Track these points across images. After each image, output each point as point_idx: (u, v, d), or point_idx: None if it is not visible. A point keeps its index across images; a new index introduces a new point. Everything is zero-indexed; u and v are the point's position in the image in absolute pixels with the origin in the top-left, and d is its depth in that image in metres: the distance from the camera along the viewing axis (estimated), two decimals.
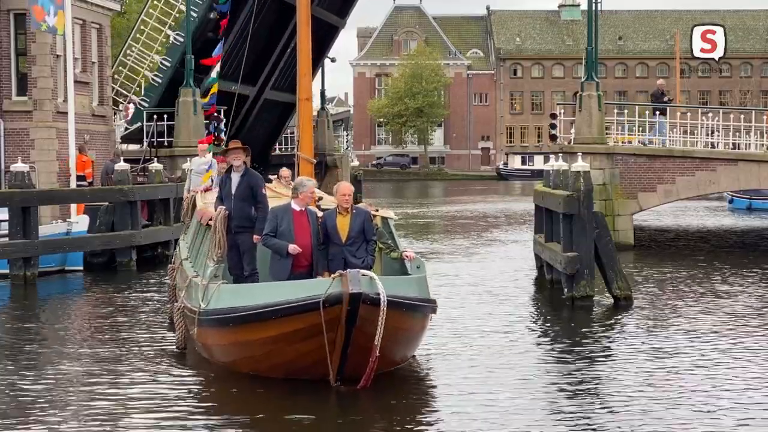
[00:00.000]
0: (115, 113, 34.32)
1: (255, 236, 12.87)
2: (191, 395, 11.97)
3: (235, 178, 13.26)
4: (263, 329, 11.42)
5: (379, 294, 10.91)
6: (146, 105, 34.62)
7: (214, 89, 22.99)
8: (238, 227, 13.10)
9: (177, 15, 35.21)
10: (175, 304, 14.36)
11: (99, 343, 15.09)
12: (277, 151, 49.19)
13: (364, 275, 11.04)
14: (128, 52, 35.64)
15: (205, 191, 17.90)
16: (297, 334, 11.21)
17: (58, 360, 13.84)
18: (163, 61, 35.07)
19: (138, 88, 35.41)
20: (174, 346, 14.17)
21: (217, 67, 23.47)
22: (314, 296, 11.00)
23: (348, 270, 11.11)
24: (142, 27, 35.95)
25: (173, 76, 34.63)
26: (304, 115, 14.85)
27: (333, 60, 54.69)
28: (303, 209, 12.47)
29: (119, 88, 35.02)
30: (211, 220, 13.81)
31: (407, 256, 12.80)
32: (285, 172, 19.62)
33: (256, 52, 38.91)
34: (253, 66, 39.81)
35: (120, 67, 35.67)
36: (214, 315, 12.14)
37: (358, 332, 11.00)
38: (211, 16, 33.42)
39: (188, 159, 28.11)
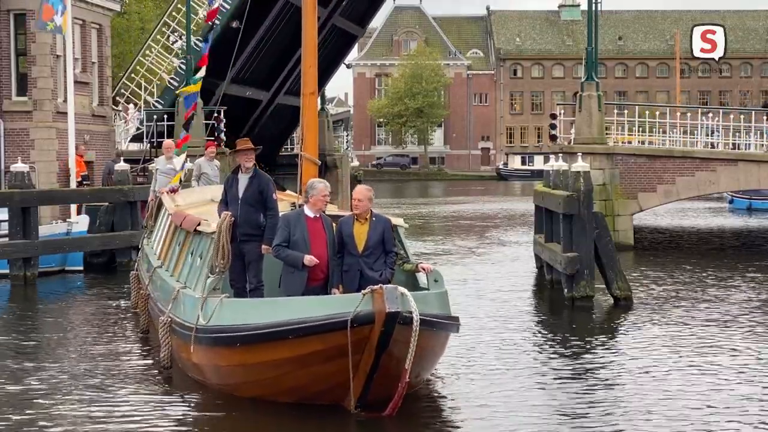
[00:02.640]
0: (121, 111, 34.38)
1: (264, 246, 11.61)
2: (184, 420, 10.76)
3: (243, 180, 11.90)
4: (277, 350, 10.20)
5: (411, 313, 9.80)
6: (161, 107, 34.69)
7: (194, 88, 22.20)
8: (244, 235, 11.73)
9: (199, 20, 35.28)
10: (160, 318, 12.81)
11: (88, 354, 14.13)
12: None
13: (399, 292, 9.84)
14: (147, 52, 35.68)
15: (171, 192, 17.14)
16: (316, 356, 10.04)
17: (44, 371, 12.99)
18: (181, 65, 35.12)
19: (153, 89, 35.50)
20: (159, 363, 12.81)
21: (202, 70, 22.85)
22: (341, 314, 9.82)
23: (382, 285, 9.90)
24: (163, 29, 35.99)
25: (189, 80, 34.69)
26: (309, 111, 13.14)
27: (349, 66, 54.80)
28: (317, 215, 11.26)
29: (135, 87, 35.10)
30: (199, 225, 12.72)
31: (424, 268, 11.50)
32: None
33: (273, 59, 39.02)
34: (269, 72, 39.93)
35: (138, 67, 35.72)
36: (217, 333, 10.86)
37: (388, 354, 9.92)
38: (233, 25, 33.54)
39: (187, 159, 28.13)
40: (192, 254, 12.96)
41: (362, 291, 9.96)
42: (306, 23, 13.26)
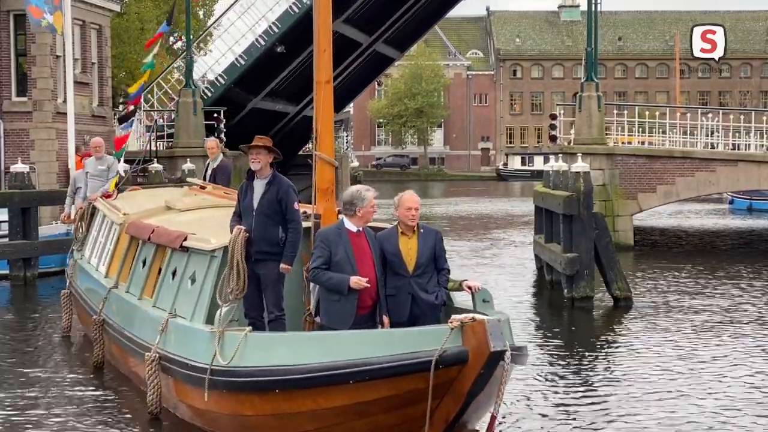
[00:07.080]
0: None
1: (283, 265, 9.58)
2: None
3: (259, 186, 9.80)
4: (330, 397, 8.18)
5: (505, 348, 7.72)
6: None
7: (145, 77, 21.96)
8: (259, 253, 9.63)
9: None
10: (146, 354, 10.47)
11: (73, 381, 12.54)
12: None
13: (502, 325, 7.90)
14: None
15: (105, 197, 15.08)
16: (382, 404, 8.01)
17: (17, 399, 11.55)
18: (219, 78, 35.25)
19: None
20: (146, 408, 10.50)
21: (152, 54, 22.38)
22: (422, 352, 7.71)
23: (478, 316, 7.76)
24: (207, 37, 36.22)
25: (225, 93, 34.86)
26: (324, 102, 10.23)
27: (380, 84, 55.13)
28: (360, 230, 9.25)
29: (168, 89, 35.22)
30: (186, 240, 10.63)
31: (470, 287, 9.29)
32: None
33: (306, 79, 39.38)
34: (300, 89, 40.28)
35: (176, 69, 35.91)
36: (245, 376, 8.80)
37: (477, 400, 7.97)
38: (278, 49, 33.75)
39: (187, 159, 28.12)
40: (175, 275, 10.79)
41: (449, 323, 7.78)
42: (319, 2, 11.23)
